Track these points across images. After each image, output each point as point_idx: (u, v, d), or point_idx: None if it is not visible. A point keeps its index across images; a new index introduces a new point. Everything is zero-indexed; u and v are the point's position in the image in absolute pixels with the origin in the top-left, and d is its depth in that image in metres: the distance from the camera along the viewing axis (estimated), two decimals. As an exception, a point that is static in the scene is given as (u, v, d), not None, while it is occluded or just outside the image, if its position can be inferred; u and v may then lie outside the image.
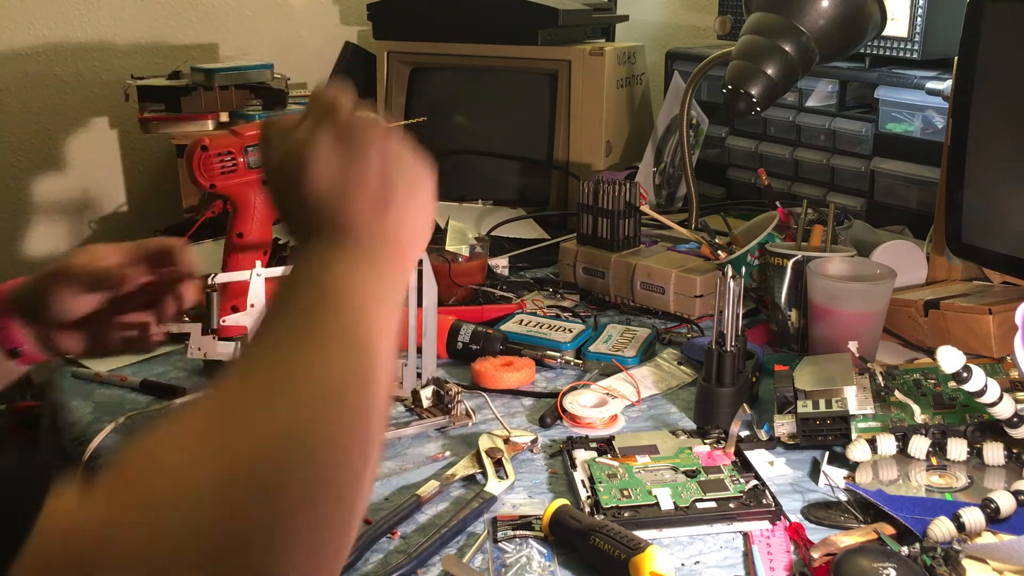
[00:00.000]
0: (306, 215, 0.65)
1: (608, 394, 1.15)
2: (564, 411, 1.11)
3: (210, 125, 1.76)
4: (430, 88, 1.99)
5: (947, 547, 0.82)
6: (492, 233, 1.63)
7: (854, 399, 1.01)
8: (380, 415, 0.57)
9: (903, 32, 1.55)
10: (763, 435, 1.04)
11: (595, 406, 1.12)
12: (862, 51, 1.58)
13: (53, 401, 1.22)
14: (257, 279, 1.01)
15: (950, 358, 0.91)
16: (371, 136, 0.67)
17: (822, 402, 1.01)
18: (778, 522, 0.89)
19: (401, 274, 0.68)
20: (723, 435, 1.02)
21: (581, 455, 1.00)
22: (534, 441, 1.04)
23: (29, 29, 2.00)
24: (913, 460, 0.97)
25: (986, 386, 0.92)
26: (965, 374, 0.91)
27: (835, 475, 0.97)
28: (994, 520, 0.86)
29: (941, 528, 0.84)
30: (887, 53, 1.58)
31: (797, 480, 0.98)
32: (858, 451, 0.97)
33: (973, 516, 0.85)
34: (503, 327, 1.31)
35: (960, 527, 0.84)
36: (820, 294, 1.19)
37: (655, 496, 0.91)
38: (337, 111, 0.67)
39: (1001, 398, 0.93)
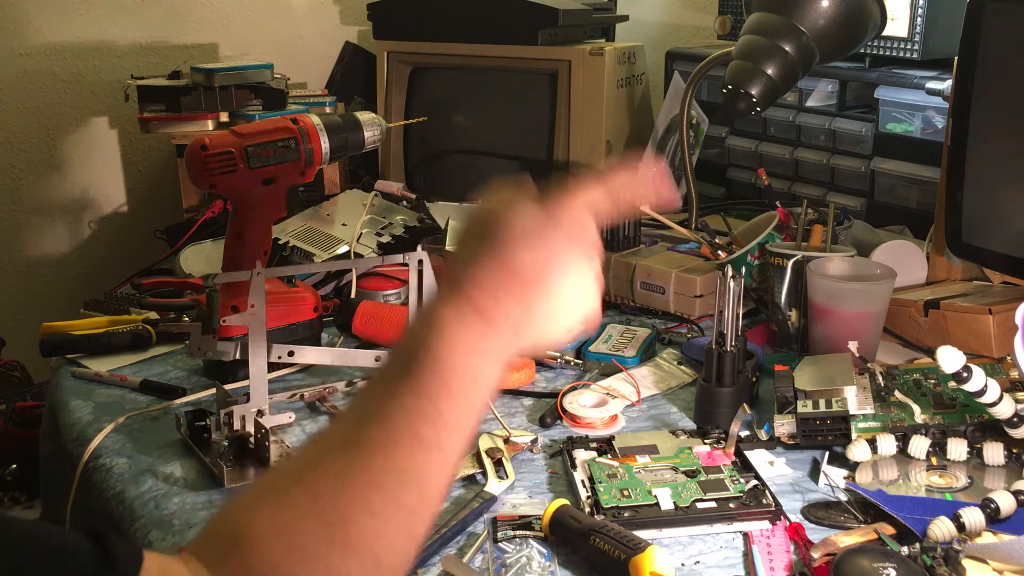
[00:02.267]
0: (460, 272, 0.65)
1: (608, 394, 1.15)
2: (564, 411, 1.11)
3: (210, 125, 1.76)
4: (430, 88, 1.99)
5: (947, 547, 0.82)
6: (492, 233, 1.63)
7: (854, 399, 1.01)
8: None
9: (903, 32, 1.55)
10: (763, 435, 1.04)
11: (595, 406, 1.12)
12: (862, 51, 1.58)
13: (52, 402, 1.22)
14: (257, 279, 1.01)
15: (950, 358, 0.90)
16: (571, 226, 0.67)
17: (822, 402, 1.01)
18: (778, 522, 0.89)
19: (505, 356, 0.65)
20: (723, 435, 1.02)
21: (581, 455, 1.00)
22: (534, 441, 1.04)
23: (29, 29, 2.00)
24: (913, 460, 0.97)
25: (986, 386, 0.92)
26: (965, 374, 0.91)
27: (835, 475, 0.96)
28: (994, 520, 0.86)
29: (941, 528, 0.84)
30: (887, 53, 1.58)
31: (797, 480, 0.98)
32: (858, 451, 0.97)
33: (973, 516, 0.85)
34: (503, 327, 1.31)
35: (960, 527, 0.84)
36: (820, 294, 1.19)
37: (655, 496, 0.91)
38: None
39: (1001, 398, 0.93)
